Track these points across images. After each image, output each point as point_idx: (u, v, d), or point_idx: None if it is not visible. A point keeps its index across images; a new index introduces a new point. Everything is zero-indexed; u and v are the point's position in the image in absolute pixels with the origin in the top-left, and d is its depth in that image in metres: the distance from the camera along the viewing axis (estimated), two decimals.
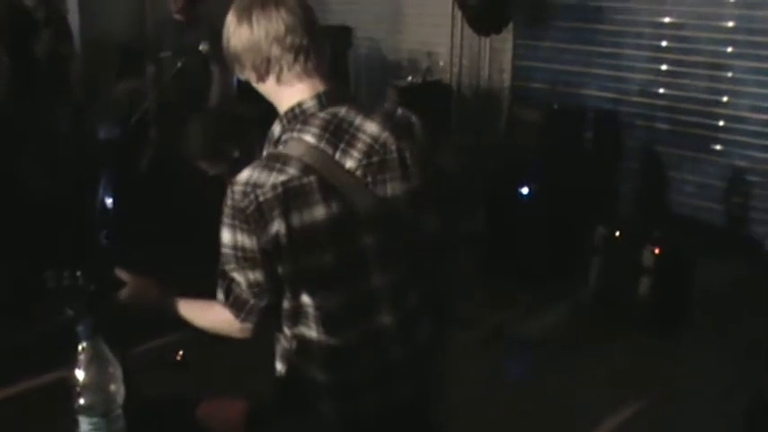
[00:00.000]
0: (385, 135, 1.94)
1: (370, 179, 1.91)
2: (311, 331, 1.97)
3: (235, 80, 5.42)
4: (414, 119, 2.05)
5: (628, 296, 4.46)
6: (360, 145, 1.92)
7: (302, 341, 1.97)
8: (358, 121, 1.94)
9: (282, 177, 1.87)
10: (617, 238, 4.61)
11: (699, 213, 5.23)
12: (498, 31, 5.79)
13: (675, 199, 5.37)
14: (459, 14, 5.94)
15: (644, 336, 4.33)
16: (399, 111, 2.03)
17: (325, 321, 1.92)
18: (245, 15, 1.95)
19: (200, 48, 4.77)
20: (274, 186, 1.86)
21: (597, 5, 5.61)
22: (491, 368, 4.07)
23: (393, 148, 1.94)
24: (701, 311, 4.46)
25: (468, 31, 6.00)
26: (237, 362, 3.15)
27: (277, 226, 1.86)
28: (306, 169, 1.87)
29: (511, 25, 5.86)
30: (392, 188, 1.93)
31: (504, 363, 4.23)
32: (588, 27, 5.64)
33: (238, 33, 1.94)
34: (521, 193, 5.04)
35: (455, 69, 6.25)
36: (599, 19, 5.61)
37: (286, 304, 1.95)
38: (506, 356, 4.25)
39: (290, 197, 1.86)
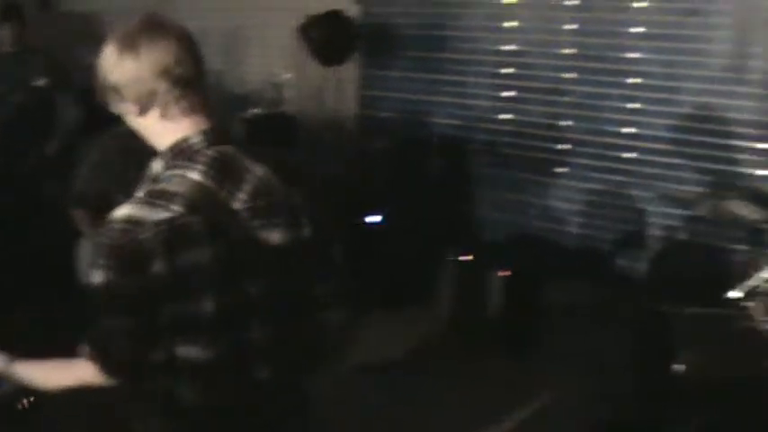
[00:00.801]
0: (273, 179, 1.87)
1: (256, 223, 1.82)
2: (184, 387, 1.83)
3: (80, 114, 5.06)
4: (304, 166, 2.00)
5: (479, 320, 4.42)
6: (247, 186, 1.84)
7: (173, 397, 1.84)
8: (245, 161, 1.86)
9: (165, 215, 1.75)
10: (467, 263, 4.59)
11: (545, 235, 5.32)
12: (341, 62, 5.76)
13: (522, 222, 5.43)
14: (303, 44, 5.87)
15: (496, 358, 4.28)
16: (288, 157, 1.99)
17: (200, 375, 1.81)
18: (129, 45, 1.84)
19: (38, 83, 4.44)
20: (157, 224, 1.74)
21: (442, 35, 5.70)
22: (346, 395, 3.90)
23: (281, 192, 1.87)
24: (551, 331, 4.44)
25: (314, 61, 5.95)
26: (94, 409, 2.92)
27: (157, 267, 1.72)
28: (191, 207, 1.76)
29: (357, 55, 5.80)
30: (279, 235, 1.85)
31: (359, 390, 4.07)
32: (433, 56, 5.73)
33: (121, 65, 1.83)
34: (370, 223, 4.96)
35: (300, 100, 6.17)
36: (444, 48, 5.71)
37: (158, 356, 1.81)
38: (360, 383, 4.10)
39: (173, 236, 1.74)
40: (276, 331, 1.87)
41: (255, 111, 6.11)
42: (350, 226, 5.10)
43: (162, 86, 1.83)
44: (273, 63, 6.25)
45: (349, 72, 6.05)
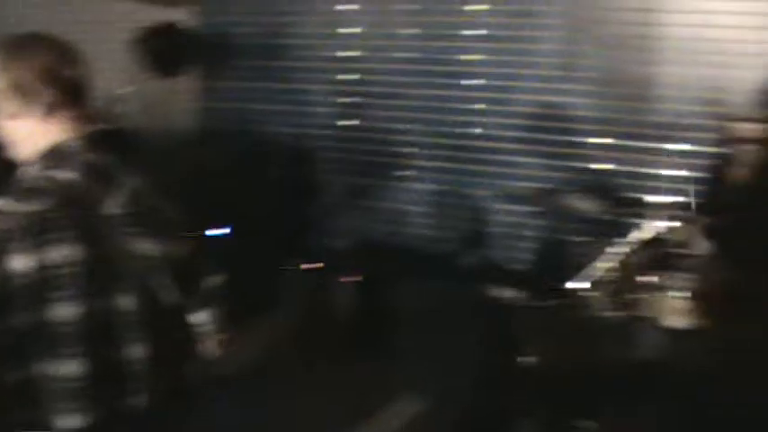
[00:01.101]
0: (146, 190, 1.91)
1: (127, 230, 1.82)
2: (49, 411, 1.65)
3: None
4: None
5: (331, 326, 4.33)
6: (119, 194, 1.85)
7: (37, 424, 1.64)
8: (120, 170, 1.89)
9: (35, 207, 1.72)
10: (316, 270, 4.49)
11: (393, 239, 5.35)
12: (178, 74, 5.58)
13: (370, 227, 5.42)
14: (138, 57, 5.65)
15: (350, 363, 4.25)
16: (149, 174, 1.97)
17: (67, 396, 1.64)
18: (11, 49, 1.88)
19: None
20: (25, 215, 1.70)
21: (280, 43, 5.60)
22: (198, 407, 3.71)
23: (153, 203, 1.90)
24: (403, 333, 4.49)
25: (151, 74, 5.73)
26: None
27: (20, 260, 1.63)
28: (60, 204, 1.73)
29: (196, 66, 5.64)
30: (150, 245, 1.86)
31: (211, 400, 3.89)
32: (273, 65, 5.61)
33: (3, 68, 1.85)
34: (216, 235, 4.78)
35: (139, 114, 5.93)
36: (283, 56, 5.60)
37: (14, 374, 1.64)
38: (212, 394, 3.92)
39: (39, 228, 1.70)
40: (149, 345, 1.82)
41: (93, 127, 5.75)
42: (195, 239, 4.88)
43: (44, 90, 1.86)
44: (110, 78, 5.97)
45: (188, 84, 5.83)
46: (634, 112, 4.95)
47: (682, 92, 4.87)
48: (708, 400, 3.61)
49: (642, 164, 4.99)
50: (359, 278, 4.54)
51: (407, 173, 5.40)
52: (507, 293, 4.23)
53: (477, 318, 4.26)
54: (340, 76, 5.50)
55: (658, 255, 4.16)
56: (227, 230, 4.87)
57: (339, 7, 5.45)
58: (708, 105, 4.82)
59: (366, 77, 5.44)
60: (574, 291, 3.79)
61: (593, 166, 5.06)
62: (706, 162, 4.60)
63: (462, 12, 5.14)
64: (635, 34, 4.87)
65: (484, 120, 5.19)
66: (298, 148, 5.54)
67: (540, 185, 4.58)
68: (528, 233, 5.04)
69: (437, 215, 5.35)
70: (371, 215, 5.44)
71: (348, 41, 5.47)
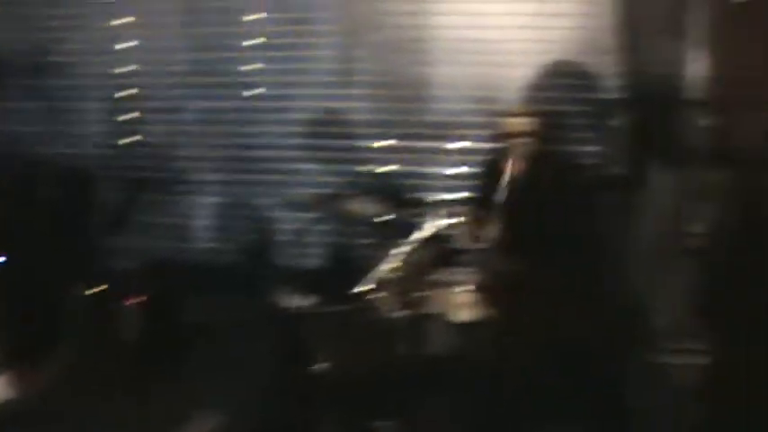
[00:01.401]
0: None
1: None
2: None
3: None
4: None
5: (119, 350, 4.13)
6: None
7: None
8: None
9: None
10: (101, 293, 4.27)
11: (182, 255, 5.22)
12: None
13: (157, 245, 5.27)
14: None
15: (143, 385, 4.11)
16: None
17: None
18: None
19: None
20: None
21: (51, 61, 5.30)
22: None
23: None
24: (197, 348, 4.43)
25: None
26: None
27: None
28: None
29: None
30: None
31: None
32: (46, 84, 5.30)
33: None
34: None
35: None
36: (55, 74, 5.29)
37: None
38: None
39: None
40: None
41: None
42: None
43: None
44: None
45: None
46: (411, 113, 5.03)
47: (455, 91, 5.00)
48: (495, 389, 3.72)
49: (422, 163, 5.07)
50: (145, 298, 4.36)
51: (191, 187, 5.27)
52: (297, 301, 4.20)
53: (269, 328, 4.22)
54: (117, 93, 5.28)
55: (441, 252, 4.24)
56: (1, 259, 4.56)
57: (114, 22, 5.22)
58: (480, 103, 4.96)
59: (144, 92, 5.24)
60: (361, 294, 3.75)
61: (376, 168, 5.11)
62: (482, 158, 4.72)
63: (240, 22, 5.05)
64: (409, 37, 4.96)
65: (266, 129, 5.16)
66: (74, 169, 5.24)
67: (321, 191, 4.53)
68: (314, 239, 5.04)
69: (223, 228, 5.25)
70: (156, 233, 5.25)
71: (124, 56, 5.23)
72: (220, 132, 5.20)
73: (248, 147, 5.21)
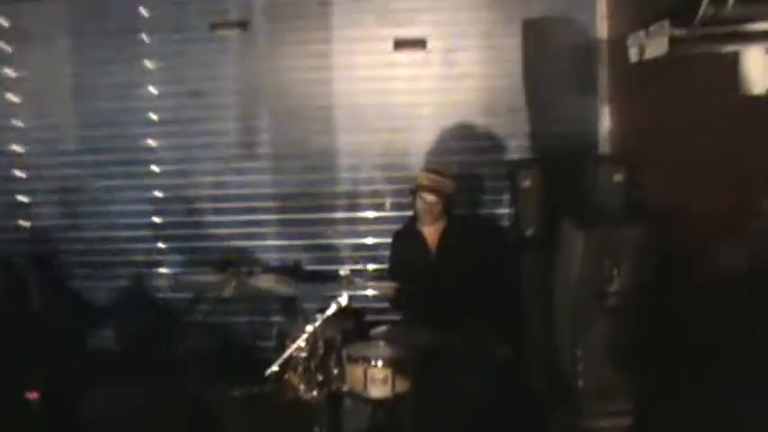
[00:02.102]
0: None
1: None
2: None
3: None
4: None
5: None
6: None
7: None
8: None
9: None
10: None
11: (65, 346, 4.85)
12: None
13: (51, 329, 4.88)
14: None
15: None
16: None
17: None
18: None
19: None
20: None
21: None
22: None
23: None
24: None
25: None
26: None
27: None
28: None
29: None
30: None
31: None
32: None
33: None
34: None
35: None
36: None
37: None
38: None
39: None
40: None
41: None
42: None
43: None
44: None
45: None
46: (317, 183, 4.96)
47: (362, 159, 4.97)
48: None
49: (329, 235, 4.99)
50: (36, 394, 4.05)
51: (89, 271, 5.06)
52: (205, 386, 4.10)
53: (177, 415, 4.04)
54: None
55: (353, 326, 4.22)
56: None
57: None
58: (389, 170, 4.93)
59: (34, 173, 4.98)
60: (271, 375, 3.57)
61: (276, 242, 5.03)
62: (393, 227, 4.66)
63: (131, 96, 4.90)
64: (312, 106, 4.90)
65: (162, 207, 5.03)
66: None
67: (224, 269, 4.34)
68: (218, 320, 4.88)
69: (124, 312, 5.04)
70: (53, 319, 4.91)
71: (9, 135, 5.00)
72: (117, 212, 5.03)
73: (143, 226, 5.02)
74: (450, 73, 4.85)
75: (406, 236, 4.46)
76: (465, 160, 4.83)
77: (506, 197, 4.82)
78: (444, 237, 4.35)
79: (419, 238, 4.38)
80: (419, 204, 4.29)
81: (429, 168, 4.40)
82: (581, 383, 3.66)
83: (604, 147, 4.72)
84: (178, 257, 5.05)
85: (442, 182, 4.28)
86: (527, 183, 4.44)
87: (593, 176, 4.12)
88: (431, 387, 3.78)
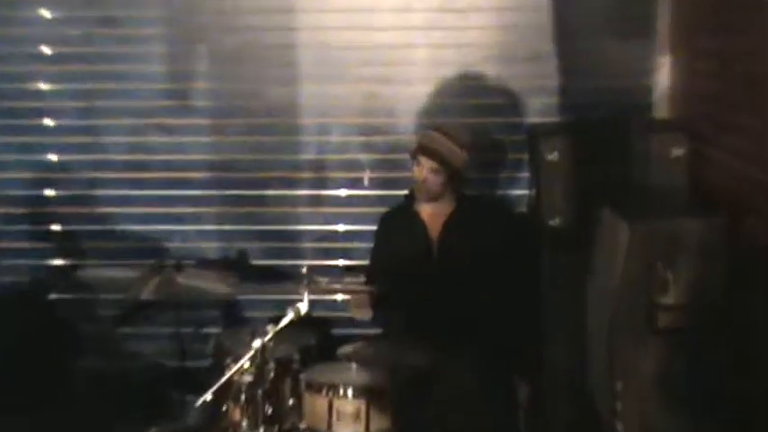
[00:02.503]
0: None
1: None
2: None
3: None
4: None
5: None
6: None
7: None
8: None
9: None
10: None
11: None
12: None
13: None
14: None
15: None
16: None
17: None
18: None
19: None
20: None
21: None
22: None
23: None
24: None
25: None
26: None
27: None
28: None
29: None
30: None
31: None
32: None
33: None
34: None
35: None
36: None
37: None
38: None
39: None
40: None
41: None
42: None
43: None
44: None
45: None
46: (273, 149, 5.00)
47: (334, 118, 4.98)
48: None
49: (290, 219, 5.02)
50: None
51: None
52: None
53: None
54: None
55: (315, 343, 4.17)
56: None
57: None
58: (370, 134, 4.97)
59: None
60: (199, 408, 3.60)
61: (217, 227, 5.07)
62: (374, 210, 4.72)
63: (16, 20, 4.94)
64: (268, 45, 4.93)
65: (62, 175, 5.04)
66: None
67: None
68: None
69: None
70: None
71: None
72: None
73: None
74: (454, 4, 4.83)
75: (398, 221, 4.46)
76: (470, 122, 4.78)
77: (525, 174, 4.81)
78: (450, 224, 4.34)
79: (415, 225, 4.37)
80: (417, 174, 4.24)
81: (437, 127, 4.38)
82: (621, 428, 3.64)
83: (661, 109, 4.72)
84: (77, 244, 5.02)
85: (451, 148, 4.26)
86: (553, 155, 4.40)
87: (645, 149, 4.13)
88: (418, 428, 3.76)
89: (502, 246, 4.36)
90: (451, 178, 4.30)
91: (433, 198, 4.31)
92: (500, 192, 4.95)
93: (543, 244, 4.48)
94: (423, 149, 4.28)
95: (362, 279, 4.43)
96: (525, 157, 4.80)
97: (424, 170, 4.26)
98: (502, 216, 4.72)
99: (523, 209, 4.85)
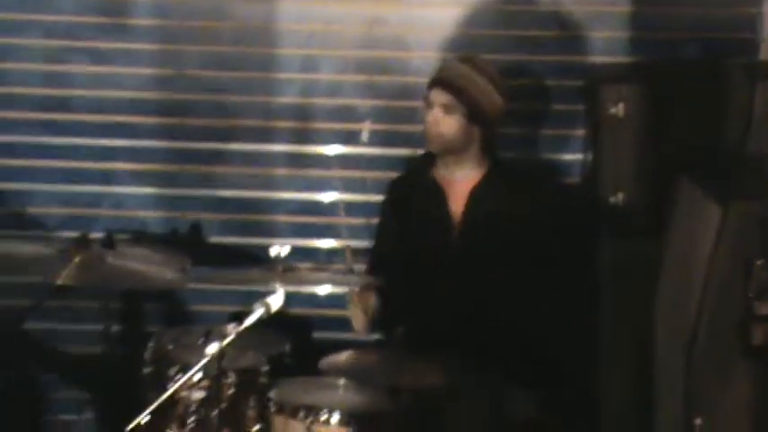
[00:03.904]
0: None
1: None
2: None
3: None
4: None
5: None
6: None
7: None
8: None
9: None
10: None
11: None
12: None
13: None
14: None
15: None
16: None
17: None
18: None
19: None
20: None
21: None
22: None
23: None
24: None
25: None
26: None
27: None
28: None
29: None
30: None
31: None
32: None
33: None
34: None
35: None
36: None
37: None
38: None
39: None
40: None
41: None
42: None
43: None
44: None
45: None
46: (239, 89, 5.05)
47: (326, 50, 5.03)
48: None
49: (270, 184, 5.08)
50: None
51: None
52: None
53: None
54: None
55: (284, 349, 4.24)
56: None
57: None
58: (373, 73, 5.02)
59: None
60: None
61: (163, 191, 5.12)
62: (380, 174, 4.79)
63: None
64: None
65: None
66: None
67: None
68: None
69: None
70: None
71: None
72: None
73: None
74: None
75: (411, 188, 4.50)
76: (507, 60, 4.80)
77: (579, 133, 4.84)
78: (477, 195, 4.37)
79: (432, 194, 4.40)
80: (426, 117, 4.29)
81: (463, 57, 4.42)
82: None
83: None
84: None
85: (475, 82, 4.27)
86: (618, 108, 4.46)
87: (746, 104, 4.15)
88: None
89: (544, 227, 4.37)
90: (481, 130, 4.30)
91: (447, 150, 4.32)
92: (545, 155, 4.97)
93: (600, 227, 4.49)
94: (435, 80, 4.30)
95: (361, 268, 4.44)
96: (581, 109, 4.82)
97: (435, 107, 4.26)
98: (546, 187, 4.77)
99: (576, 179, 4.90)
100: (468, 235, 4.35)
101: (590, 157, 4.68)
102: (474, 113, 4.24)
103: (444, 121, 4.25)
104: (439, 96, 4.24)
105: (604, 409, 4.34)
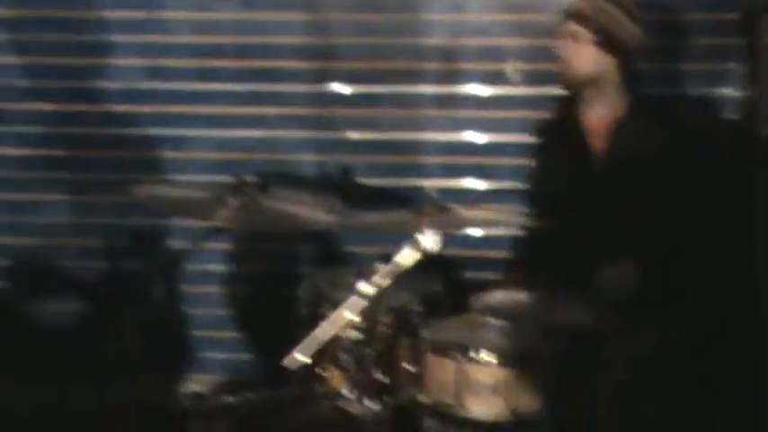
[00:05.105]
0: None
1: None
2: None
3: None
4: None
5: None
6: None
7: None
8: None
9: None
10: None
11: None
12: None
13: None
14: None
15: None
16: None
17: None
18: None
19: None
20: None
21: None
22: None
23: None
24: None
25: None
26: None
27: None
28: None
29: None
30: None
31: None
32: None
33: None
34: None
35: None
36: None
37: None
38: None
39: None
40: None
41: None
42: None
43: None
44: None
45: None
46: (371, 30, 5.09)
47: None
48: None
49: (402, 124, 5.07)
50: None
51: None
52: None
53: None
54: None
55: (437, 289, 4.24)
56: None
57: None
58: (512, 10, 4.98)
59: None
60: (293, 372, 3.62)
61: (313, 135, 5.17)
62: (524, 117, 4.77)
63: None
64: None
65: None
66: None
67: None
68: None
69: None
70: None
71: None
72: None
73: None
74: None
75: (553, 132, 4.52)
76: None
77: (738, 66, 4.75)
78: (618, 133, 4.33)
79: (571, 134, 4.39)
80: (561, 52, 4.29)
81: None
82: None
83: None
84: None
85: (610, 13, 4.22)
86: None
87: None
88: (579, 410, 3.82)
89: (696, 166, 4.32)
90: (615, 60, 4.25)
91: (583, 85, 4.29)
92: (697, 91, 4.89)
93: (759, 165, 4.45)
94: (565, 12, 4.28)
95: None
96: (737, 42, 4.73)
97: (565, 39, 4.26)
98: (695, 123, 4.70)
99: (733, 115, 4.82)
100: (612, 173, 4.32)
101: (749, 92, 4.61)
102: (605, 42, 4.20)
103: (576, 53, 4.23)
104: (569, 27, 4.22)
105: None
